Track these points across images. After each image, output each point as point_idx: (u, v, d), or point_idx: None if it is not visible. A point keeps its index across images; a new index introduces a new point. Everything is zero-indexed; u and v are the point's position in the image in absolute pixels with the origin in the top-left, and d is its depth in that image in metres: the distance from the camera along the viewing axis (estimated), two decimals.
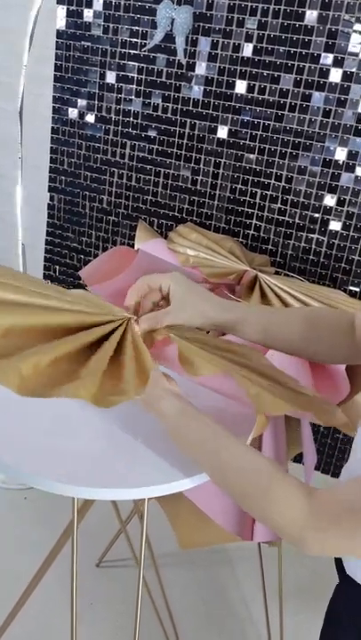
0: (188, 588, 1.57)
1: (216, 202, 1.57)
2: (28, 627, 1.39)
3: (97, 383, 0.67)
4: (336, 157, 1.40)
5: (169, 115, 1.55)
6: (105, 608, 1.49)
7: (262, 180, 1.49)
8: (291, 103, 1.41)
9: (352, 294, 1.48)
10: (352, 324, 0.81)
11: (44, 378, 0.66)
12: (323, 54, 1.35)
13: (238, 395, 0.84)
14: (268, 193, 1.50)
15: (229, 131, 1.49)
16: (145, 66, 1.54)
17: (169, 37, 1.46)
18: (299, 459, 1.51)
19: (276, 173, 1.47)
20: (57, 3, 1.59)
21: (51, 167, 1.76)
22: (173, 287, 0.76)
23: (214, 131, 1.51)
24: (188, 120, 1.53)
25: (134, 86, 1.57)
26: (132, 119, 1.60)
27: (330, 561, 0.78)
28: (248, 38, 1.40)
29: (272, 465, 0.64)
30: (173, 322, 0.76)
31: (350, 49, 1.32)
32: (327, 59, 1.35)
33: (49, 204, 1.79)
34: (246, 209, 1.54)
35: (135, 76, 1.56)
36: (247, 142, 1.48)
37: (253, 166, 1.49)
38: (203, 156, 1.54)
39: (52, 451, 0.76)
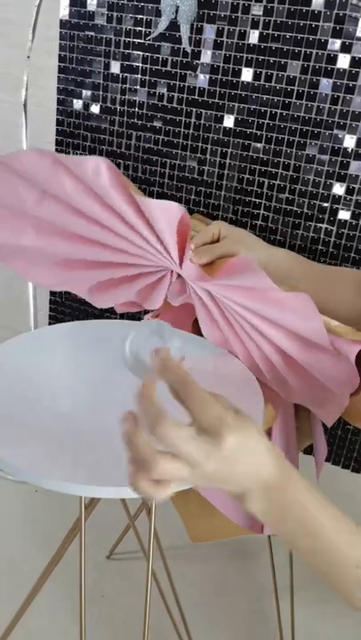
0: (197, 581, 1.57)
1: (223, 192, 1.55)
2: (39, 618, 1.40)
3: None
4: (345, 145, 1.38)
5: (174, 104, 1.53)
6: (115, 600, 1.49)
7: (270, 169, 1.47)
8: (298, 90, 1.38)
9: None
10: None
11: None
12: (330, 40, 1.32)
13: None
14: (276, 182, 1.48)
15: (236, 120, 1.47)
16: (150, 55, 1.52)
17: (173, 25, 1.44)
18: (309, 450, 1.50)
19: (284, 162, 1.45)
20: None
21: None
22: (224, 230, 0.78)
23: (220, 120, 1.49)
24: (194, 109, 1.51)
25: (139, 76, 1.55)
26: (137, 109, 1.58)
27: None
28: (254, 25, 1.38)
29: None
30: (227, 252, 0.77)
31: (358, 34, 1.29)
32: (335, 44, 1.32)
33: None
34: (254, 199, 1.52)
35: (140, 65, 1.54)
36: (254, 131, 1.46)
37: (261, 155, 1.47)
38: (209, 146, 1.52)
39: (57, 449, 0.75)
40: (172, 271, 0.86)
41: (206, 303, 0.86)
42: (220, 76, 1.45)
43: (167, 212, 0.76)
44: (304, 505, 0.53)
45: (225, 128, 1.49)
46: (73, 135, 1.69)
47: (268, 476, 0.51)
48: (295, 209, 1.48)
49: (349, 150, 1.38)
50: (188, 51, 1.46)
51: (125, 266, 0.88)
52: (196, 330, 1.03)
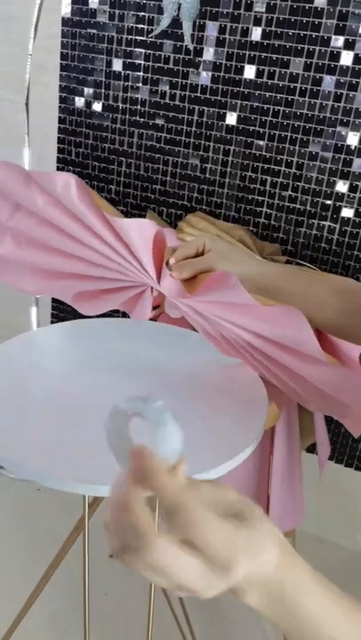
0: None
1: (226, 190, 1.54)
2: (42, 617, 1.40)
3: None
4: (348, 142, 1.37)
5: (177, 102, 1.52)
6: (118, 599, 1.50)
7: (273, 167, 1.47)
8: (301, 88, 1.38)
9: None
10: None
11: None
12: (333, 37, 1.32)
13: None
14: (279, 180, 1.47)
15: (238, 117, 1.47)
16: (152, 52, 1.51)
17: (176, 23, 1.43)
18: (312, 449, 1.49)
19: (287, 160, 1.45)
20: None
21: (59, 157, 1.74)
22: (209, 243, 0.76)
23: (223, 117, 1.48)
24: (197, 107, 1.51)
25: (141, 73, 1.54)
26: (139, 107, 1.57)
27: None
28: (257, 22, 1.37)
29: None
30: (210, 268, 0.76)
31: None
32: (338, 41, 1.32)
33: None
34: (257, 197, 1.51)
35: (142, 63, 1.53)
36: (257, 129, 1.45)
37: (263, 153, 1.47)
38: (212, 144, 1.52)
39: (61, 448, 0.75)
40: (151, 288, 0.84)
41: (196, 319, 0.85)
42: (222, 74, 1.45)
43: (141, 230, 0.74)
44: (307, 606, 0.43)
45: (227, 126, 1.49)
46: (75, 133, 1.69)
47: (270, 569, 0.42)
48: (298, 207, 1.48)
49: (353, 148, 1.37)
50: (191, 48, 1.45)
51: (105, 279, 0.87)
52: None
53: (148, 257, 0.76)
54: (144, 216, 1.61)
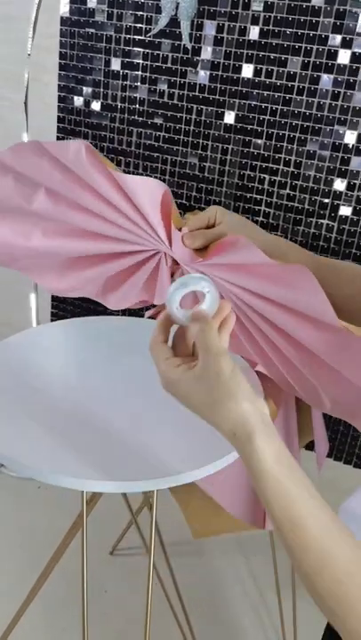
0: (200, 577, 1.58)
1: (224, 189, 1.55)
2: (41, 614, 1.40)
3: None
4: (346, 141, 1.38)
5: (175, 101, 1.53)
6: (118, 596, 1.50)
7: (271, 165, 1.47)
8: (299, 86, 1.38)
9: None
10: None
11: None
12: (331, 35, 1.32)
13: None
14: (277, 179, 1.48)
15: (236, 116, 1.47)
16: (150, 52, 1.52)
17: (174, 22, 1.44)
18: (311, 446, 1.50)
19: (285, 158, 1.45)
20: None
21: None
22: (220, 215, 0.76)
23: (221, 116, 1.49)
24: (195, 106, 1.51)
25: (140, 73, 1.55)
26: (138, 106, 1.58)
27: None
28: (254, 21, 1.38)
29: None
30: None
31: (359, 29, 1.29)
32: (335, 40, 1.32)
33: None
34: (255, 195, 1.52)
35: (140, 62, 1.54)
36: (255, 127, 1.46)
37: (261, 152, 1.47)
38: (210, 143, 1.52)
39: (59, 444, 0.76)
40: (165, 254, 0.85)
41: None
42: (220, 73, 1.45)
43: (149, 190, 0.74)
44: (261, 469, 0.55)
45: (226, 124, 1.49)
46: (74, 132, 1.69)
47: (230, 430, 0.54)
48: (296, 205, 1.48)
49: (350, 146, 1.38)
50: (189, 47, 1.46)
51: (122, 255, 0.88)
52: None
53: (157, 218, 0.77)
54: None
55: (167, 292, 0.60)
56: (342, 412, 0.86)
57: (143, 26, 1.50)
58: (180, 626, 1.35)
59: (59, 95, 1.68)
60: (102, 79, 1.61)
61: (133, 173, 1.65)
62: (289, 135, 1.43)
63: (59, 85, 1.67)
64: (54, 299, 1.87)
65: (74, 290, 0.96)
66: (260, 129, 1.46)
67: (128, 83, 1.57)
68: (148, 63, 1.53)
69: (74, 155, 0.74)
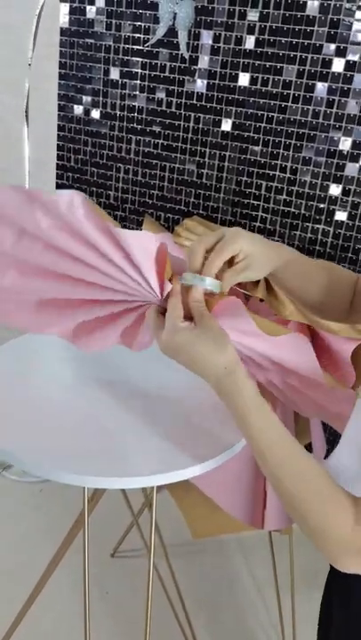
0: (200, 577, 1.59)
1: (222, 195, 1.57)
2: (42, 616, 1.42)
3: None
4: (341, 147, 1.40)
5: (173, 109, 1.56)
6: (120, 597, 1.51)
7: (267, 171, 1.50)
8: (294, 94, 1.41)
9: None
10: (354, 282, 0.84)
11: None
12: (325, 44, 1.35)
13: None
14: (274, 185, 1.50)
15: (233, 123, 1.50)
16: (148, 61, 1.54)
17: (171, 32, 1.47)
18: (308, 448, 1.52)
19: (281, 165, 1.48)
20: (60, 0, 1.60)
21: (58, 164, 1.78)
22: (247, 247, 0.77)
23: (218, 124, 1.51)
24: (193, 114, 1.54)
25: (138, 82, 1.58)
26: (136, 114, 1.61)
27: None
28: (250, 30, 1.41)
29: (331, 479, 0.66)
30: (251, 277, 0.78)
31: (352, 38, 1.32)
32: (329, 48, 1.35)
33: None
34: (252, 201, 1.54)
35: (139, 71, 1.57)
36: (251, 134, 1.49)
37: (258, 158, 1.50)
38: (208, 150, 1.55)
39: (60, 442, 0.78)
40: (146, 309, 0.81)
41: None
42: (217, 81, 1.48)
43: (143, 244, 0.72)
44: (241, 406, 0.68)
45: (223, 132, 1.52)
46: (74, 140, 1.72)
47: (217, 377, 0.68)
48: (293, 210, 1.50)
49: (345, 152, 1.40)
50: (186, 56, 1.49)
51: (109, 302, 0.83)
52: None
53: (152, 271, 0.74)
54: (142, 221, 1.64)
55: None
56: (324, 417, 0.97)
57: (141, 36, 1.53)
58: (181, 625, 1.36)
59: (59, 104, 1.71)
60: (101, 88, 1.63)
61: (133, 180, 1.68)
62: (285, 142, 1.45)
63: (59, 94, 1.70)
64: None
65: (46, 328, 0.88)
66: (256, 136, 1.48)
67: (127, 91, 1.60)
68: (147, 72, 1.56)
69: (67, 207, 0.71)
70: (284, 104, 1.43)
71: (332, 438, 1.66)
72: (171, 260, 0.75)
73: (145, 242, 0.72)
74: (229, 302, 0.75)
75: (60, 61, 1.66)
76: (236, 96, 1.47)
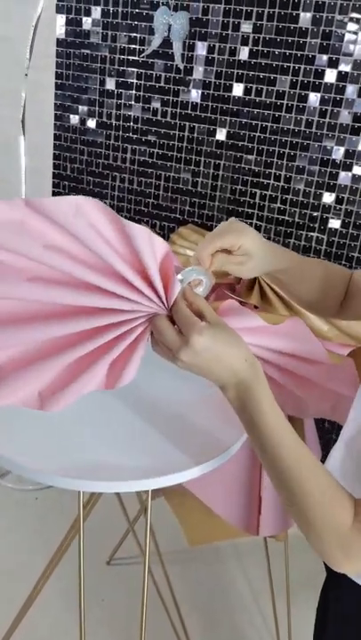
0: (195, 584, 1.59)
1: (216, 203, 1.59)
2: (38, 623, 1.42)
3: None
4: (333, 156, 1.42)
5: (168, 119, 1.57)
6: (115, 604, 1.51)
7: (261, 180, 1.52)
8: (288, 104, 1.43)
9: None
10: (348, 278, 0.86)
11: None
12: (317, 55, 1.37)
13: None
14: (268, 193, 1.52)
15: (228, 133, 1.51)
16: (144, 71, 1.56)
17: (166, 43, 1.49)
18: None
19: (275, 173, 1.50)
20: (56, 12, 1.62)
21: (54, 173, 1.79)
22: (248, 245, 0.76)
23: (213, 133, 1.53)
24: (188, 123, 1.55)
25: (134, 92, 1.60)
26: (132, 124, 1.62)
27: None
28: (244, 42, 1.43)
29: (334, 481, 0.66)
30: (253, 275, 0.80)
31: (344, 49, 1.34)
32: (322, 60, 1.37)
33: None
34: (246, 209, 1.56)
35: (134, 81, 1.59)
36: (246, 144, 1.50)
37: (252, 167, 1.52)
38: (202, 159, 1.57)
39: (55, 447, 0.78)
40: (145, 328, 0.70)
41: None
42: (212, 92, 1.50)
43: (150, 241, 0.63)
44: (260, 408, 0.66)
45: (217, 141, 1.54)
46: (70, 149, 1.74)
47: (239, 371, 0.66)
48: (287, 218, 1.52)
49: (338, 161, 1.42)
50: (181, 67, 1.51)
51: (105, 329, 0.68)
52: None
53: (157, 274, 0.66)
54: None
55: (182, 273, 0.70)
56: (324, 411, 0.96)
57: (137, 47, 1.55)
58: (177, 632, 1.36)
59: (55, 114, 1.72)
60: (97, 98, 1.65)
61: (128, 189, 1.69)
62: (279, 151, 1.47)
63: (55, 104, 1.72)
64: None
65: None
66: (250, 145, 1.50)
67: (122, 101, 1.62)
68: (142, 82, 1.58)
69: (73, 208, 0.59)
70: (277, 114, 1.45)
71: (326, 444, 1.67)
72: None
73: (152, 241, 0.63)
74: (230, 304, 0.77)
75: (56, 72, 1.68)
76: (231, 106, 1.49)
